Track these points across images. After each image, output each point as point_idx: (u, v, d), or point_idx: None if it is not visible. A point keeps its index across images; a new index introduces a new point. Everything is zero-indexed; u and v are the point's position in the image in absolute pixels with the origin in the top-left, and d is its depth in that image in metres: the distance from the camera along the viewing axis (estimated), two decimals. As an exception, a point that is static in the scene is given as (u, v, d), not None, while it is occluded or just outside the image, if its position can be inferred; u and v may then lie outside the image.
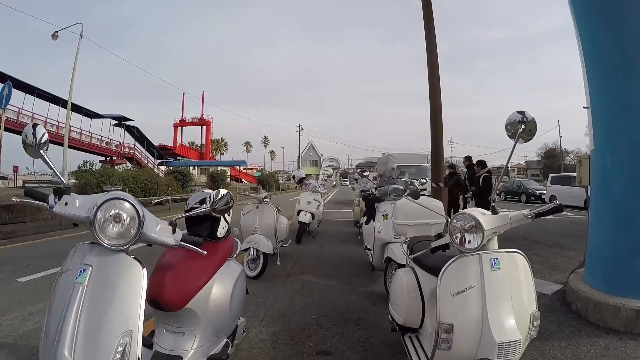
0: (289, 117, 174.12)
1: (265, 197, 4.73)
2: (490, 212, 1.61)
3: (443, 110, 5.90)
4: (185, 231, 1.81)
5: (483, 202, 7.26)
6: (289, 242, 5.59)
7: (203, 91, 50.39)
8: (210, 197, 1.60)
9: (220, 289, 1.97)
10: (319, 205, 7.13)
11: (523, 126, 1.66)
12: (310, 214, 6.75)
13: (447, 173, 8.41)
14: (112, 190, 1.41)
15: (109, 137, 30.74)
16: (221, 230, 2.13)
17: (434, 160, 5.27)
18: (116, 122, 31.09)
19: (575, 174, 20.95)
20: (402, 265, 3.38)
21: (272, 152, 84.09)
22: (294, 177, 7.75)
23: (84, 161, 17.11)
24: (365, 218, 4.50)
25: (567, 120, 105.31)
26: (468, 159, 8.00)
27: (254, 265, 4.43)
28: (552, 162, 51.90)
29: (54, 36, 18.68)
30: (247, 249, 4.43)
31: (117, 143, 31.75)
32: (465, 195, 7.69)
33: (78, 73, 16.79)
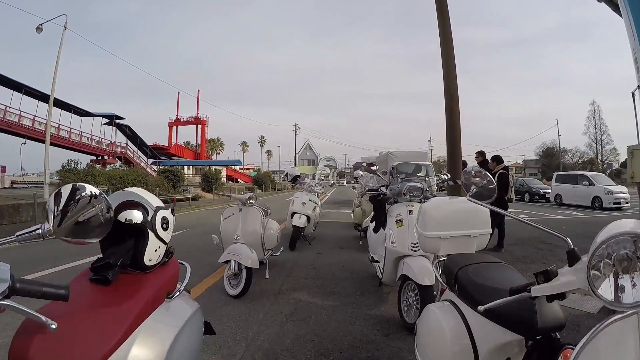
0: (285, 116, 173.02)
1: (249, 198, 3.90)
2: None
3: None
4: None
5: (498, 202, 6.49)
6: (281, 250, 4.78)
7: (198, 90, 49.31)
8: (55, 198, 0.78)
9: (147, 348, 1.17)
10: (315, 206, 6.30)
11: None
12: (305, 217, 5.94)
13: None
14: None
15: (100, 136, 29.91)
16: (151, 255, 1.33)
17: (451, 153, 4.45)
18: (107, 120, 30.30)
19: (582, 172, 20.51)
20: (426, 290, 2.60)
21: (268, 152, 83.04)
22: (286, 174, 6.91)
23: (68, 160, 16.26)
24: (374, 224, 3.60)
25: (564, 119, 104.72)
26: (481, 154, 7.22)
27: (236, 281, 3.62)
28: (551, 160, 51.47)
29: (38, 29, 17.93)
30: (227, 262, 3.64)
31: (109, 142, 30.88)
32: None
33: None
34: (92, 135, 28.92)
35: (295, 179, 6.55)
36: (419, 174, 3.21)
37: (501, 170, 6.67)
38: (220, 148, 68.77)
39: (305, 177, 6.77)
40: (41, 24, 17.86)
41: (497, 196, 5.84)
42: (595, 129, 49.75)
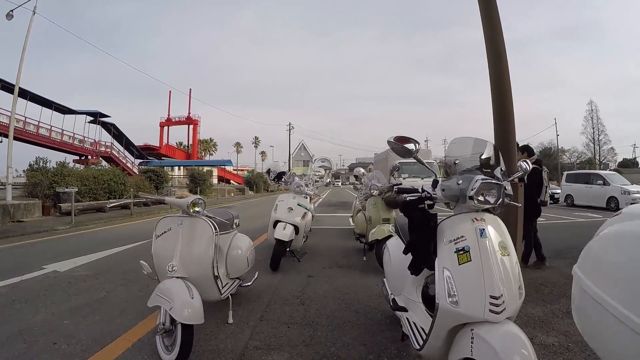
0: (280, 117, 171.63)
1: (193, 204, 2.43)
2: None
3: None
4: None
5: (531, 204, 5.01)
6: (255, 276, 3.35)
7: (190, 89, 47.82)
8: None
9: None
10: (305, 212, 4.82)
11: None
12: (292, 227, 4.48)
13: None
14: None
15: (84, 134, 28.45)
16: None
17: (501, 135, 3.02)
18: (92, 118, 28.81)
19: (595, 171, 19.50)
20: None
21: (262, 153, 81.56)
22: (268, 171, 5.42)
23: (36, 158, 14.66)
24: (411, 257, 1.87)
25: (560, 119, 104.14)
26: (521, 148, 5.62)
27: (170, 341, 2.19)
28: (549, 160, 50.71)
29: (9, 15, 16.59)
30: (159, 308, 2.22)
31: (92, 141, 29.33)
32: None
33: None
34: (74, 133, 27.41)
35: (280, 177, 5.09)
36: (484, 157, 1.71)
37: (533, 166, 5.18)
38: (214, 149, 67.23)
39: (295, 176, 5.28)
40: (12, 10, 16.51)
41: (529, 198, 4.13)
42: (593, 128, 49.20)
